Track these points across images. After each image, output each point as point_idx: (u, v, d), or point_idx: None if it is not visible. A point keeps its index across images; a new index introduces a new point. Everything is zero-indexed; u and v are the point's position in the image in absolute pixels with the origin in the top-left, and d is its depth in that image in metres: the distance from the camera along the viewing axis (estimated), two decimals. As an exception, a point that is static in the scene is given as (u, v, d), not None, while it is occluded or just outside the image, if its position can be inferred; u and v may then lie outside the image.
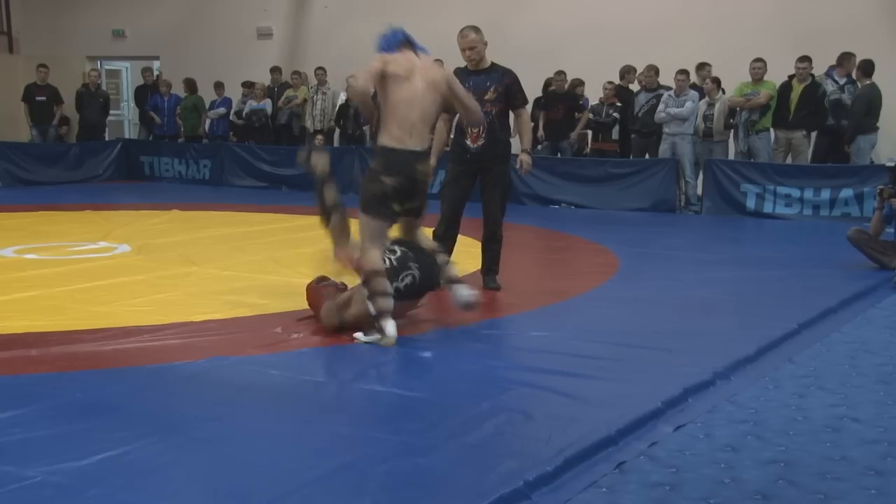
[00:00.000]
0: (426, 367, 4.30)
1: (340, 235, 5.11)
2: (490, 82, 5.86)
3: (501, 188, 6.02)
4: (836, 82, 10.53)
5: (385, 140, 4.73)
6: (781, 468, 3.11)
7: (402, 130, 4.70)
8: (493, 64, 5.93)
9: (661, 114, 10.94)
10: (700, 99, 10.89)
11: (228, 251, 7.62)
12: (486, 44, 5.86)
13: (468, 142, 5.95)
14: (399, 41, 4.87)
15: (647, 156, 11.36)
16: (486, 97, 5.84)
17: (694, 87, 11.07)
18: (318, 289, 5.05)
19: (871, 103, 10.04)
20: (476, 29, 5.86)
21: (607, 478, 3.02)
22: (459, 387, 3.95)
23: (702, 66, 11.25)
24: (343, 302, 4.84)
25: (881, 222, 6.95)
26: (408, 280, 4.80)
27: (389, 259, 4.78)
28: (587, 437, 3.26)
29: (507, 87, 5.88)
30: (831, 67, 10.69)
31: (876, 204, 7.05)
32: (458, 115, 6.05)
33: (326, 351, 4.50)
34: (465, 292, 4.88)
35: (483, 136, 5.89)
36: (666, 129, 11.00)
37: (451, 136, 6.40)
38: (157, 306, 5.46)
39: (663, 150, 11.12)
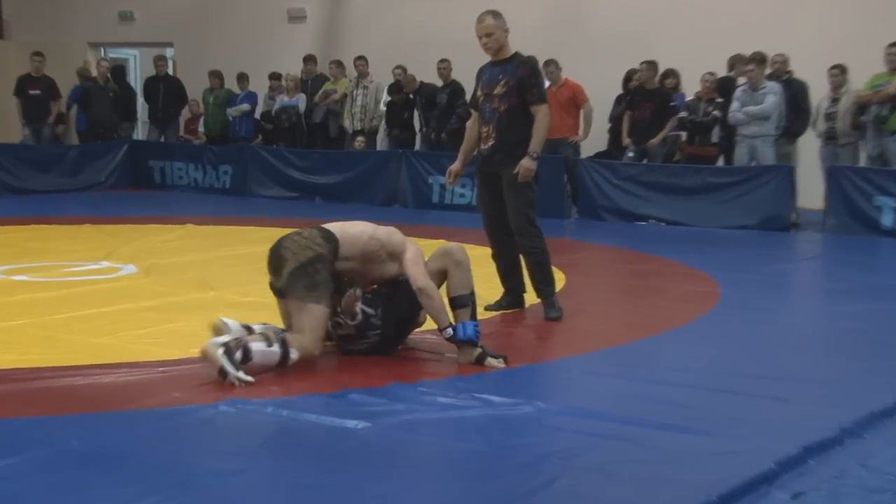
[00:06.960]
0: (484, 415, 4.29)
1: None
2: (502, 75, 6.05)
3: (516, 192, 6.14)
4: None
5: None
6: (923, 547, 3.05)
7: None
8: (516, 54, 6.13)
9: (736, 114, 10.88)
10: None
11: (251, 273, 7.67)
12: (507, 31, 6.07)
13: (481, 144, 6.23)
14: None
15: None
16: (495, 92, 6.04)
17: (771, 76, 11.02)
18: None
19: None
20: (495, 14, 6.07)
21: (706, 554, 2.99)
22: (524, 439, 3.94)
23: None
24: None
25: None
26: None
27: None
28: (681, 504, 3.22)
29: (519, 81, 6.02)
30: None
31: None
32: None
33: (364, 393, 4.50)
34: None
35: (493, 136, 6.10)
36: (743, 131, 10.97)
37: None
38: (167, 338, 5.54)
39: (740, 155, 11.07)
